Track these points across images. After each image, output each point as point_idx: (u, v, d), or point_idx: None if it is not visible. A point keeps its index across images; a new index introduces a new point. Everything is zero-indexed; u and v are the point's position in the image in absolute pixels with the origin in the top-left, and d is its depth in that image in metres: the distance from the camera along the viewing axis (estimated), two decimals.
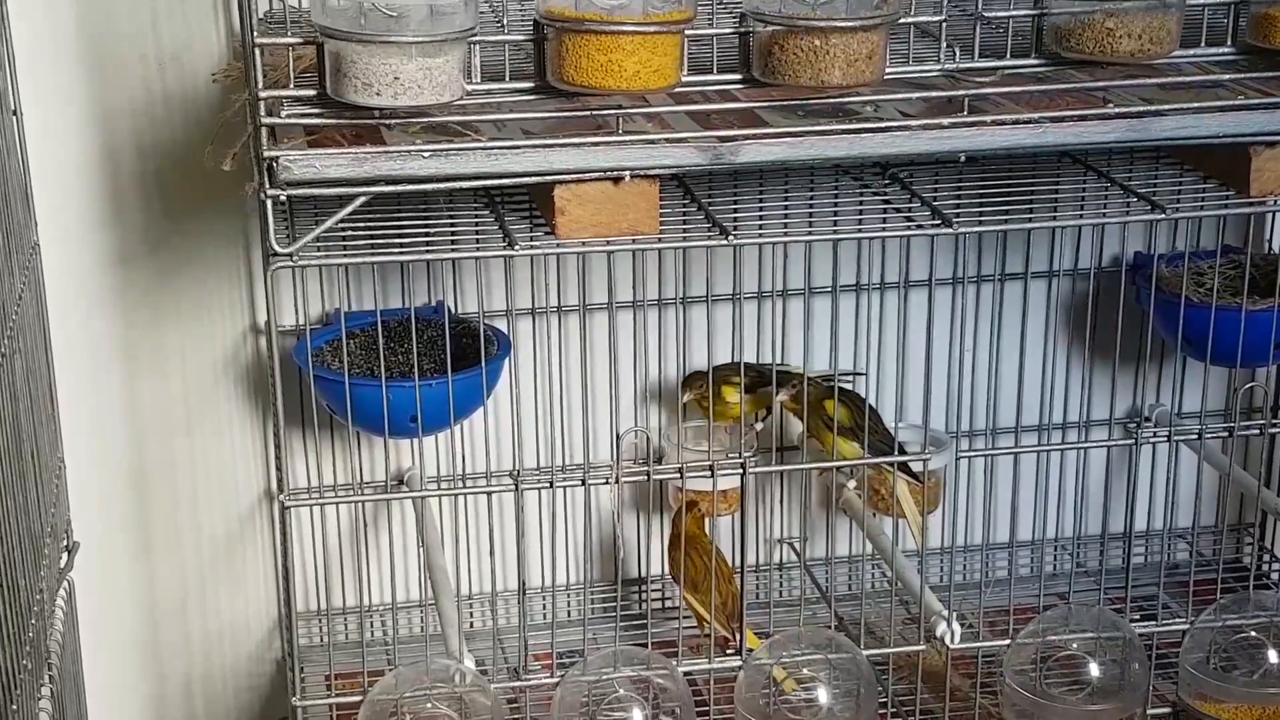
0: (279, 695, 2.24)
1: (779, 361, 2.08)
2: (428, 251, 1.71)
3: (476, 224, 1.77)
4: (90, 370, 2.10)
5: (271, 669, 2.27)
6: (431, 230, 1.73)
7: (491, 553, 1.88)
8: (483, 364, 1.85)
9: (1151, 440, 1.94)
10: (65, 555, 1.95)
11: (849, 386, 2.09)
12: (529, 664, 1.95)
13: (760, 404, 2.14)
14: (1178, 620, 2.01)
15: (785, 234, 1.79)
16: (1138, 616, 2.04)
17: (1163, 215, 1.78)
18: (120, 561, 2.18)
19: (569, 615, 2.23)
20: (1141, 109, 1.74)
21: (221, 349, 2.15)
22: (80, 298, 2.07)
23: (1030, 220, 1.78)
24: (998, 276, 2.15)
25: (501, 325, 2.05)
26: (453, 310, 2.11)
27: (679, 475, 1.86)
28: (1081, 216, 1.86)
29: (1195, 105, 1.74)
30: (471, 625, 2.17)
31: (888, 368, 2.16)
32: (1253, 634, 1.95)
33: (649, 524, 1.99)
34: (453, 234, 1.74)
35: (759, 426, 2.18)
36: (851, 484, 2.10)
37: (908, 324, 1.94)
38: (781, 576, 2.29)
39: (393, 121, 1.65)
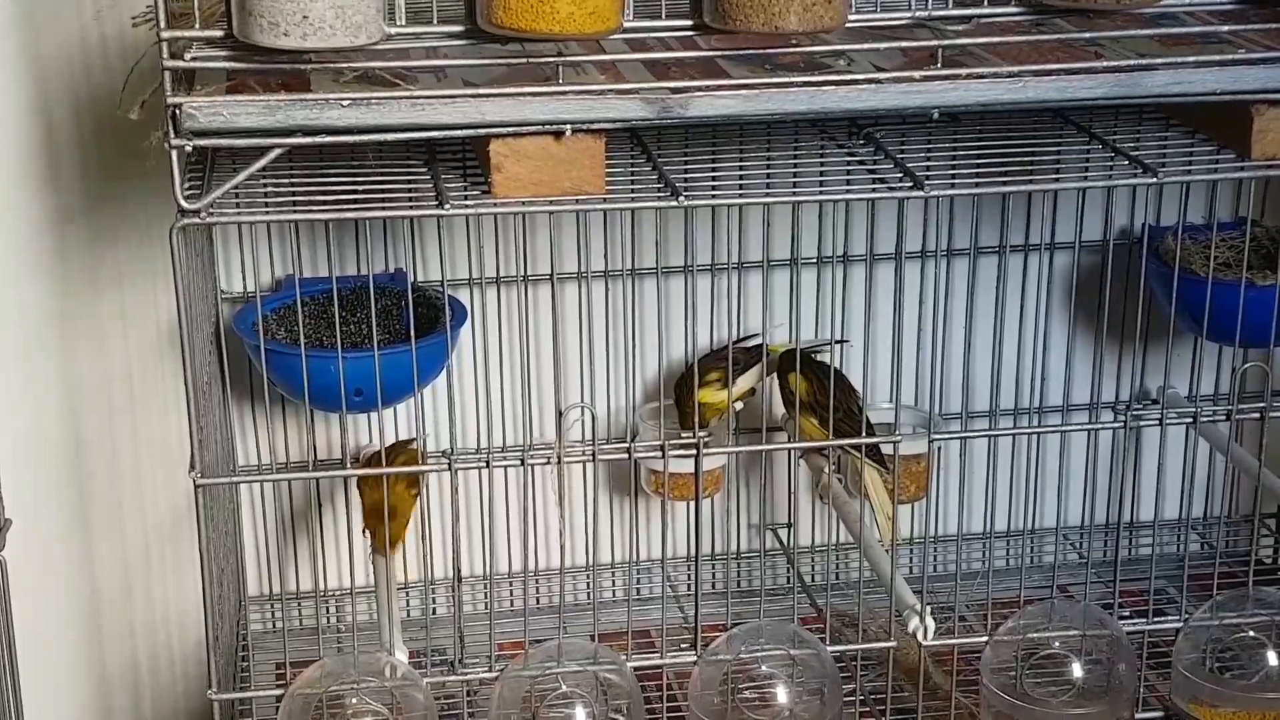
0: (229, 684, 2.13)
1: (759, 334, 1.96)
2: (350, 210, 1.58)
3: (412, 182, 1.65)
4: (23, 337, 1.98)
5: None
6: (359, 188, 1.61)
7: (423, 536, 1.75)
8: (412, 339, 1.72)
9: (1141, 424, 1.79)
10: None
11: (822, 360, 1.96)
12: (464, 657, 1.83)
13: (743, 389, 2.02)
14: (1171, 618, 1.86)
15: (741, 195, 1.66)
16: (1128, 613, 1.90)
17: (1153, 179, 1.64)
18: (57, 542, 2.07)
19: (537, 603, 2.13)
20: (1131, 63, 1.60)
21: (167, 316, 2.03)
22: (12, 260, 1.96)
23: (1005, 184, 1.64)
24: (996, 248, 2.02)
25: (463, 293, 1.95)
26: (413, 277, 2.00)
27: (626, 456, 1.73)
28: (1083, 180, 1.72)
29: (1190, 59, 1.60)
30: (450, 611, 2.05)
31: (881, 344, 2.03)
32: (1251, 633, 1.80)
33: (595, 506, 1.86)
34: (382, 192, 1.62)
35: (739, 407, 2.05)
36: (828, 468, 1.97)
37: (888, 297, 1.82)
38: (763, 564, 2.16)
39: (310, 67, 1.53)
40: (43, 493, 2.04)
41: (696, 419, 1.85)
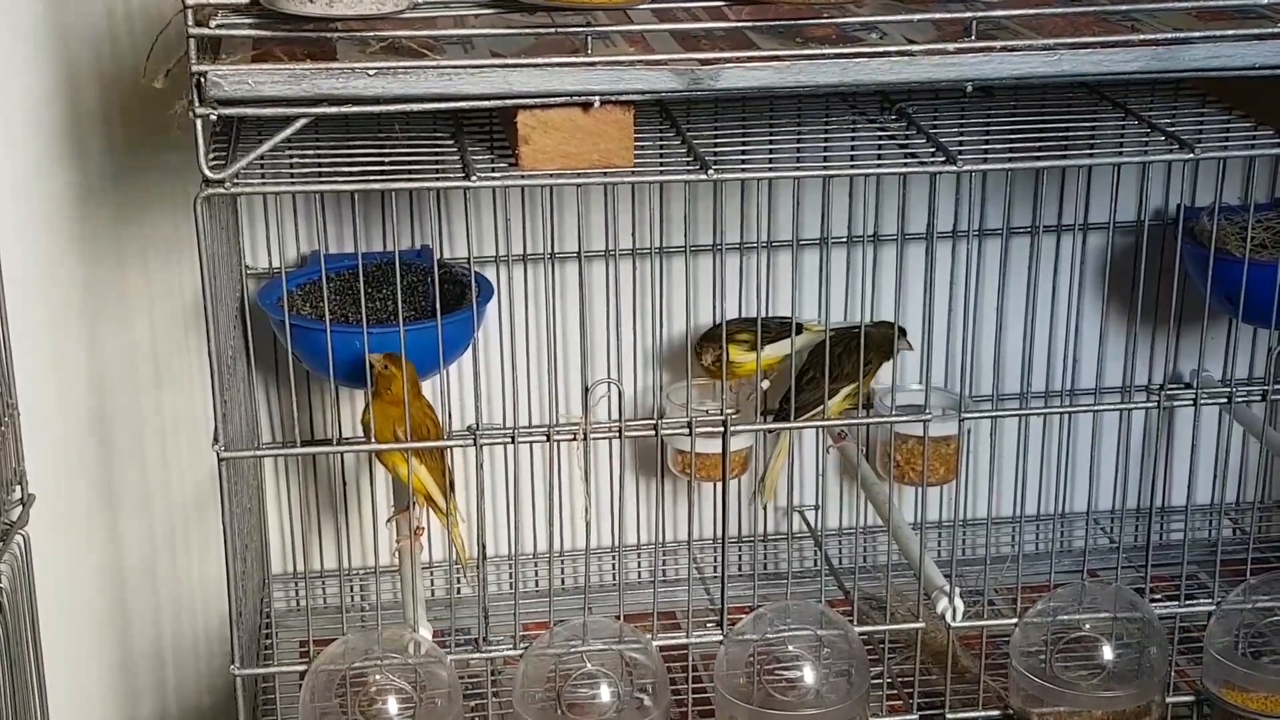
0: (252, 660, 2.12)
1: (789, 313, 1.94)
2: (376, 181, 1.57)
3: (439, 154, 1.63)
4: (48, 312, 1.97)
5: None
6: (385, 159, 1.59)
7: (447, 513, 1.73)
8: (438, 315, 1.70)
9: (1174, 404, 1.77)
10: (19, 508, 1.83)
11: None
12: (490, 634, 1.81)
13: (772, 361, 2.00)
14: (1203, 601, 1.84)
15: (770, 169, 1.64)
16: (1159, 598, 1.88)
17: (1189, 155, 1.62)
18: (82, 519, 2.06)
19: (562, 583, 2.12)
20: (1168, 36, 1.58)
21: (192, 290, 2.02)
22: (38, 235, 1.95)
23: (1039, 159, 1.62)
24: (1029, 228, 2.00)
25: (490, 271, 1.94)
26: (440, 253, 1.99)
27: (653, 433, 1.71)
28: (1118, 156, 1.70)
29: (1229, 33, 1.58)
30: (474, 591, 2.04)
31: (912, 324, 2.01)
32: None
33: (621, 485, 1.85)
34: (407, 164, 1.60)
35: (766, 385, 2.03)
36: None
37: (919, 276, 1.80)
38: (790, 546, 2.14)
39: (336, 35, 1.51)
40: (67, 467, 2.03)
41: (725, 370, 1.82)
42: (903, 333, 1.93)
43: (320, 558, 2.13)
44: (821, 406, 1.86)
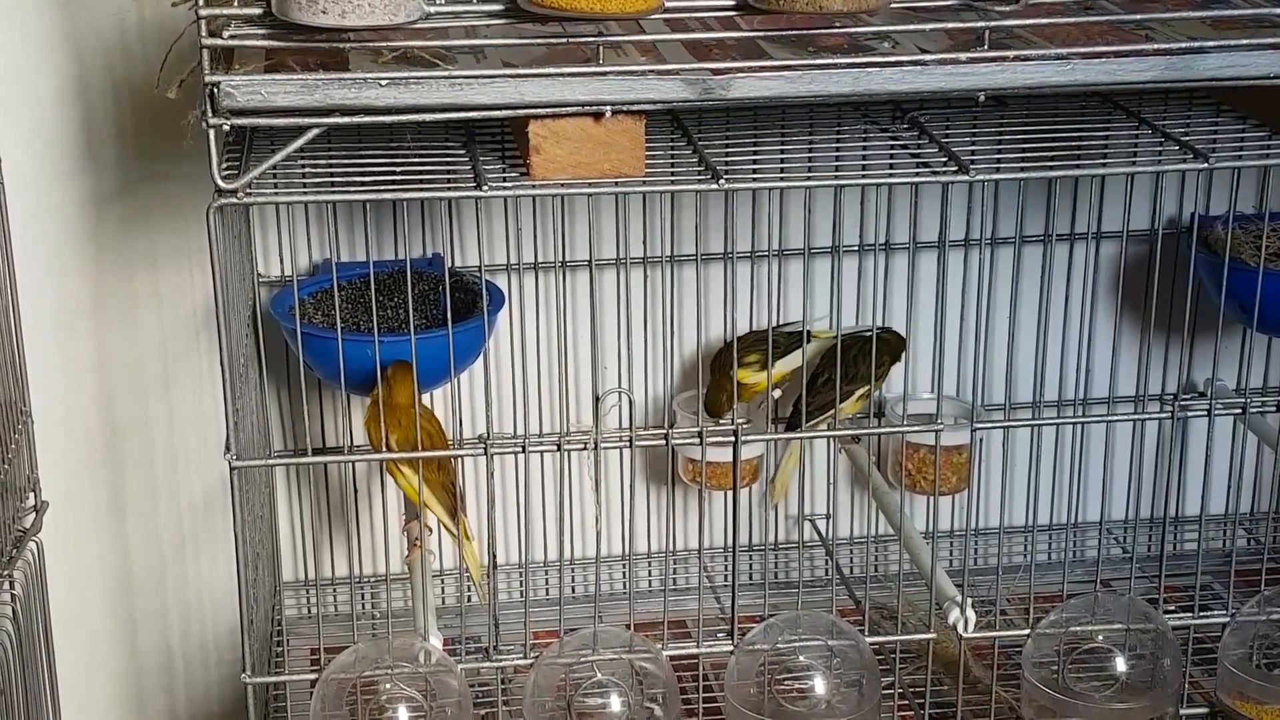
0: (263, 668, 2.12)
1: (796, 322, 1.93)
2: (387, 191, 1.56)
3: (450, 164, 1.63)
4: (58, 318, 1.98)
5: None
6: (397, 169, 1.59)
7: (454, 530, 1.73)
8: (449, 324, 1.70)
9: (1188, 415, 1.76)
10: (32, 515, 1.83)
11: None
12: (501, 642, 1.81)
13: (784, 374, 1.99)
14: (1217, 612, 1.83)
15: (782, 179, 1.64)
16: (1173, 608, 1.87)
17: (1203, 165, 1.61)
18: (91, 524, 2.06)
19: (573, 591, 2.12)
20: (1182, 45, 1.57)
21: (203, 298, 2.02)
22: (49, 241, 1.95)
23: (1051, 168, 1.62)
24: (1042, 236, 2.00)
25: (501, 279, 1.93)
26: (451, 262, 1.99)
27: (664, 442, 1.71)
28: (1131, 165, 1.69)
29: (1243, 42, 1.58)
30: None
31: (923, 333, 2.00)
32: None
33: (631, 494, 1.84)
34: (419, 173, 1.60)
35: (777, 394, 2.03)
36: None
37: (931, 285, 1.79)
38: (800, 555, 2.14)
39: (349, 46, 1.51)
40: (77, 474, 2.03)
41: (735, 396, 1.82)
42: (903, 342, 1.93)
43: (331, 565, 2.13)
44: (834, 410, 1.86)
